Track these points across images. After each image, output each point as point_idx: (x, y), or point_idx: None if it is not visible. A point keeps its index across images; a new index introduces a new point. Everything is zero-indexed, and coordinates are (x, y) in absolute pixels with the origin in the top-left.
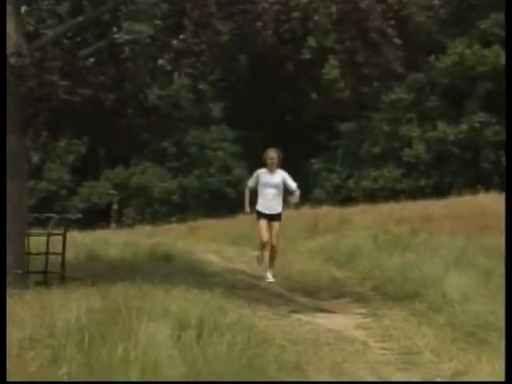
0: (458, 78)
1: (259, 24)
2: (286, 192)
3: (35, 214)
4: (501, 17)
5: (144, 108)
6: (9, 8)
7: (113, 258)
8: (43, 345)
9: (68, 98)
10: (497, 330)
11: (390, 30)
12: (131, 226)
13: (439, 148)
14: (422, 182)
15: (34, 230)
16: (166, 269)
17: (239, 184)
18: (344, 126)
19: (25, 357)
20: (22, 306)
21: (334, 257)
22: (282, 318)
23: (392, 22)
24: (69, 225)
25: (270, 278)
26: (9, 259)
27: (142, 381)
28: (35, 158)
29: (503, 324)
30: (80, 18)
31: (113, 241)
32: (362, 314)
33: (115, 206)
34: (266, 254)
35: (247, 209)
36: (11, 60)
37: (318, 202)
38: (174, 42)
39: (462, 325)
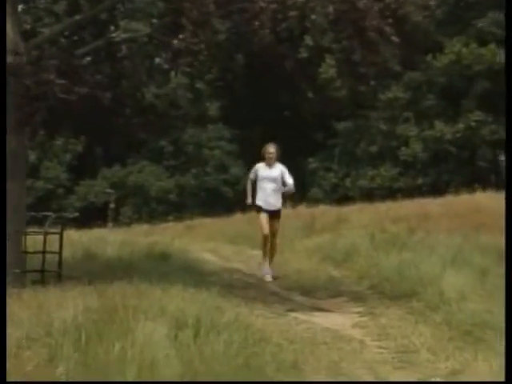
0: (455, 77)
1: (256, 23)
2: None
3: (32, 213)
4: (497, 15)
5: (141, 107)
6: (6, 6)
7: (110, 256)
8: (40, 344)
9: (65, 97)
10: (493, 328)
11: (387, 29)
12: (128, 224)
13: (436, 147)
14: (419, 181)
15: (30, 229)
16: (163, 268)
17: (236, 183)
18: (341, 125)
19: (22, 356)
20: (19, 305)
21: (330, 256)
22: (278, 317)
23: (390, 20)
24: (66, 223)
25: (268, 278)
26: (7, 258)
27: (139, 381)
28: (32, 156)
29: (499, 322)
30: (77, 17)
31: (110, 239)
32: (358, 312)
33: (112, 205)
34: (267, 247)
35: (249, 199)
36: (8, 58)
37: (315, 201)
38: (175, 41)
39: (458, 323)
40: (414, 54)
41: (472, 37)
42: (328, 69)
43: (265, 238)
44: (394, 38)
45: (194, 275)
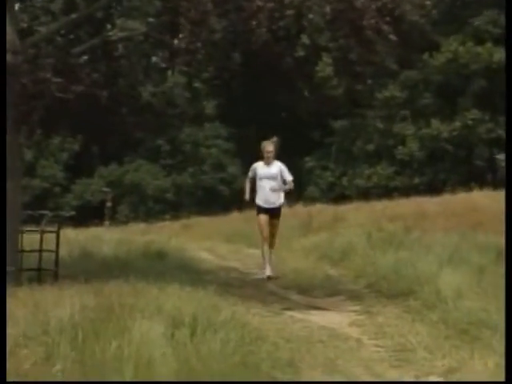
0: (451, 76)
1: (254, 22)
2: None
3: (29, 212)
4: (494, 14)
5: (138, 105)
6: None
7: (106, 255)
8: (37, 342)
9: (61, 96)
10: (489, 327)
11: (385, 27)
12: (125, 223)
13: (433, 145)
14: (416, 180)
15: (27, 228)
16: (160, 266)
17: (233, 182)
18: (337, 124)
19: (19, 354)
20: (16, 304)
21: (327, 254)
22: (275, 316)
23: (387, 18)
24: (62, 222)
25: (267, 273)
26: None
27: (137, 381)
28: (28, 155)
29: (496, 321)
30: (73, 16)
31: (106, 238)
32: (355, 311)
33: (109, 204)
34: (267, 249)
35: (247, 196)
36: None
37: (312, 200)
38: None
39: (455, 322)
40: (410, 53)
41: (468, 35)
42: (325, 67)
43: (264, 240)
44: (392, 37)
45: (191, 274)
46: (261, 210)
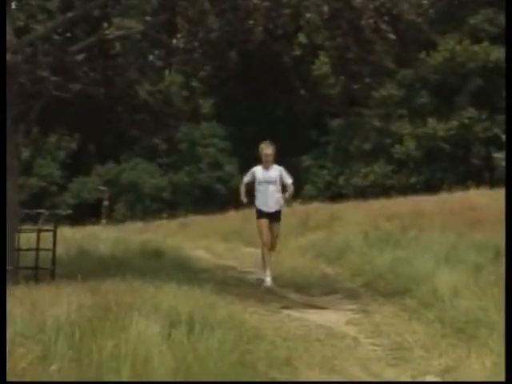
0: (448, 75)
1: (251, 22)
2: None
3: (26, 210)
4: (490, 12)
5: (134, 104)
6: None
7: (103, 254)
8: (34, 341)
9: (59, 94)
10: (486, 325)
11: (383, 26)
12: (122, 222)
13: (429, 144)
14: (413, 179)
15: (24, 226)
16: (157, 265)
17: (230, 180)
18: (335, 123)
19: (15, 353)
20: (13, 302)
21: (324, 253)
22: (272, 314)
23: (385, 18)
24: (59, 221)
25: (268, 281)
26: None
27: (134, 381)
28: (25, 153)
29: (493, 320)
30: (70, 14)
31: (103, 237)
32: (352, 309)
33: (106, 202)
34: (267, 252)
35: (244, 198)
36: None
37: (309, 199)
38: (169, 40)
39: (451, 320)
40: (407, 52)
41: (465, 34)
42: (321, 66)
43: (265, 245)
44: (391, 36)
45: (188, 272)
46: (261, 213)
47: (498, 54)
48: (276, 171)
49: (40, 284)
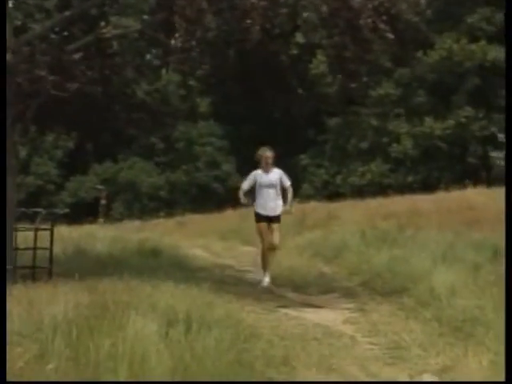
0: (445, 74)
1: (248, 21)
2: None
3: (23, 209)
4: (488, 11)
5: (132, 103)
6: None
7: (100, 252)
8: (31, 340)
9: (56, 93)
10: (483, 324)
11: (382, 26)
12: (119, 220)
13: (426, 143)
14: (410, 178)
15: (21, 225)
16: (154, 264)
17: (227, 179)
18: (332, 122)
19: (13, 352)
20: (10, 301)
21: (322, 252)
22: (269, 313)
23: (384, 17)
24: (56, 219)
25: (266, 281)
26: None
27: (132, 381)
28: (23, 152)
29: (490, 318)
30: (67, 13)
31: (100, 236)
32: (349, 308)
33: (103, 201)
34: (267, 257)
35: (244, 200)
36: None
37: (306, 198)
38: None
39: (449, 319)
40: (405, 51)
41: (462, 33)
42: (319, 65)
43: (265, 249)
44: (390, 35)
45: (185, 271)
46: (261, 217)
47: (495, 52)
48: (276, 174)
49: (37, 283)
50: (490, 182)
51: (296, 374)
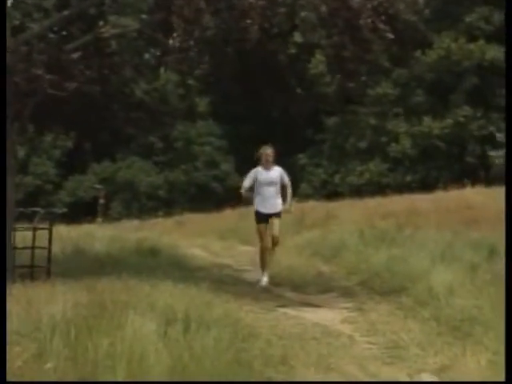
0: (443, 73)
1: (248, 21)
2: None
3: (21, 209)
4: (486, 11)
5: (130, 102)
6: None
7: (99, 252)
8: (29, 339)
9: (54, 93)
10: (481, 324)
11: (381, 26)
12: (118, 220)
13: (425, 143)
14: (409, 177)
15: (19, 225)
16: (153, 263)
17: (226, 179)
18: (330, 121)
19: (11, 351)
20: (9, 301)
21: (320, 251)
22: (268, 313)
23: (383, 17)
24: (55, 219)
25: (264, 281)
26: None
27: (131, 380)
28: (21, 152)
29: (488, 318)
30: (66, 12)
31: (99, 235)
32: (348, 308)
33: (102, 201)
34: (265, 257)
35: (248, 195)
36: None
37: (305, 197)
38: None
39: (447, 319)
40: (403, 51)
41: (461, 32)
42: (317, 64)
43: (264, 248)
44: (389, 35)
45: (184, 271)
46: (261, 216)
47: (494, 52)
48: (276, 172)
49: (36, 282)
50: (488, 182)
51: (294, 374)
